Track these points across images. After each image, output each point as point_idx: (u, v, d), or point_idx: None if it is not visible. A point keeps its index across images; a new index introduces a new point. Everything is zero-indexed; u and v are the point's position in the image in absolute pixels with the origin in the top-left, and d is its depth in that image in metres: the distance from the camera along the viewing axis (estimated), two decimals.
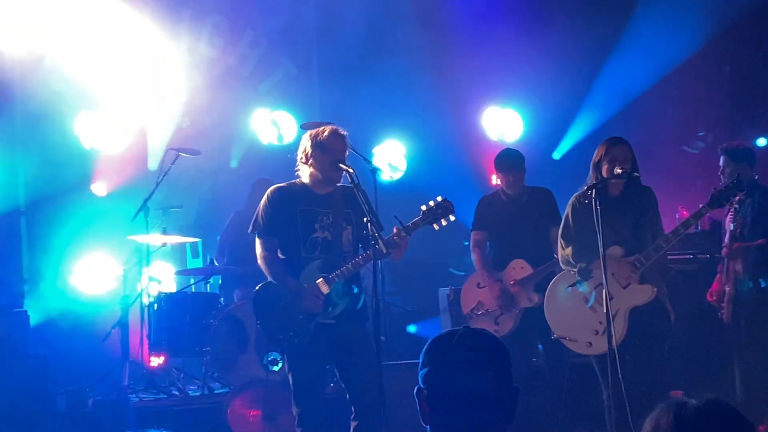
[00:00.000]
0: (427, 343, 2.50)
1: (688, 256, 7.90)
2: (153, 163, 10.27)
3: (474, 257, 7.60)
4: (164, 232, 8.93)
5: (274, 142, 10.75)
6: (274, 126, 10.78)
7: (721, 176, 7.18)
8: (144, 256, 8.72)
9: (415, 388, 2.48)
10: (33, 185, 10.35)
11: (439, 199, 5.87)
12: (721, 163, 7.30)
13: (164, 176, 8.83)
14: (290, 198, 5.92)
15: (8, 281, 9.98)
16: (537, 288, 7.12)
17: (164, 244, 9.08)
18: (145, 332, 8.62)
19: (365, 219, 5.57)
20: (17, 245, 10.36)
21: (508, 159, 7.61)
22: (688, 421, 2.07)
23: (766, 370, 7.14)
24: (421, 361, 2.49)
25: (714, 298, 7.37)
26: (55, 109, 9.99)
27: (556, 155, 10.76)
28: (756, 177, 7.33)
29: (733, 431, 2.08)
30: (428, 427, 2.46)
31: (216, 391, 8.32)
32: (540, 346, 7.41)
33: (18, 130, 10.24)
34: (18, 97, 10.01)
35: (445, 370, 2.40)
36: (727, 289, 7.22)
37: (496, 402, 2.40)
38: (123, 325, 8.72)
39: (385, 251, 5.57)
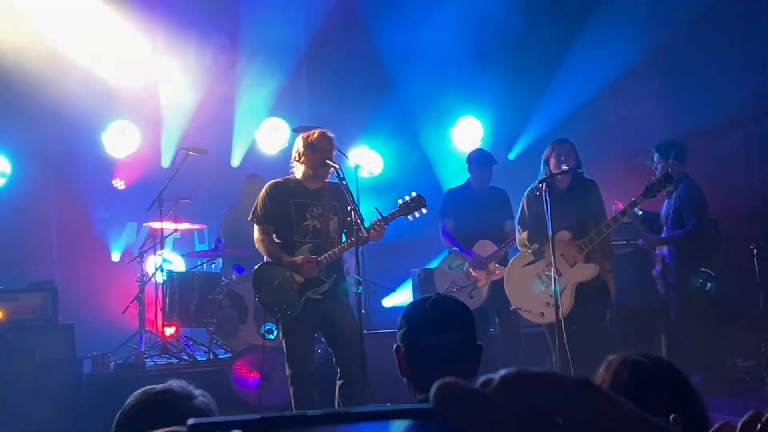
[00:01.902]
0: (405, 308, 2.54)
1: (623, 242, 7.88)
2: (165, 161, 10.20)
3: (445, 240, 7.59)
4: (175, 220, 8.87)
5: (272, 145, 10.64)
6: (273, 131, 10.69)
7: (655, 171, 7.17)
8: (158, 240, 8.66)
9: (394, 346, 2.51)
10: (62, 180, 10.26)
11: (414, 194, 5.95)
12: (654, 159, 7.29)
13: (176, 172, 8.79)
14: (285, 191, 5.90)
15: (42, 261, 9.89)
16: (500, 262, 7.20)
17: (175, 230, 9.02)
18: (159, 306, 8.60)
19: (349, 208, 5.61)
20: (48, 231, 10.27)
21: (481, 157, 7.65)
22: (643, 373, 2.15)
23: (685, 333, 7.21)
24: (399, 322, 2.51)
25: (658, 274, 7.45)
26: (82, 113, 9.88)
27: (511, 156, 10.72)
28: (687, 171, 7.34)
29: (672, 377, 2.17)
30: (405, 379, 2.49)
31: (220, 356, 8.26)
32: (496, 319, 7.40)
33: (49, 130, 10.15)
34: (48, 102, 9.89)
35: (420, 330, 2.42)
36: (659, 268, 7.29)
37: (464, 357, 2.43)
38: (140, 299, 8.68)
39: (366, 235, 5.62)
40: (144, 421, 2.20)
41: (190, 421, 0.65)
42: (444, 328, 2.40)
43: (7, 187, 9.87)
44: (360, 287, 5.57)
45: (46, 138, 10.22)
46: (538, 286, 6.10)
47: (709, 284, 7.23)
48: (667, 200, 7.25)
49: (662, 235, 7.27)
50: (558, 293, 5.71)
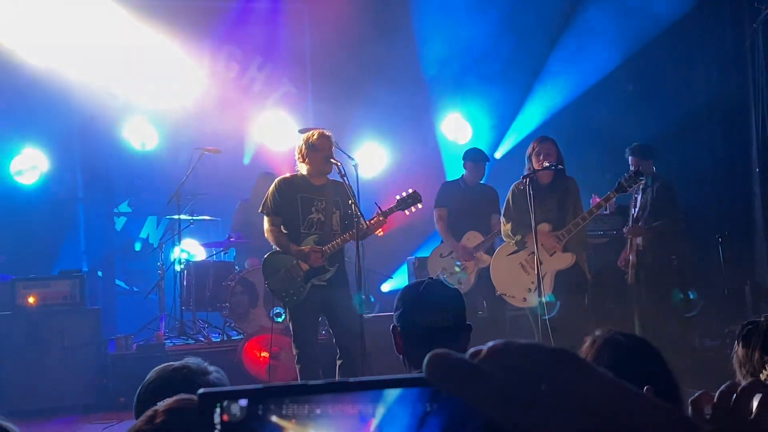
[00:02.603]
0: (401, 290, 2.56)
1: (599, 233, 7.91)
2: (183, 160, 10.19)
3: (439, 228, 7.62)
4: (192, 213, 8.88)
5: (280, 144, 10.63)
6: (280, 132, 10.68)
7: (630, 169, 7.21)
8: (177, 231, 8.67)
9: (391, 326, 2.52)
10: (88, 177, 10.27)
11: (410, 190, 6.00)
12: (630, 162, 7.33)
13: (192, 169, 8.79)
14: (293, 186, 5.91)
15: (71, 251, 9.90)
16: (487, 252, 7.21)
17: (192, 223, 9.02)
18: (178, 292, 8.57)
19: (350, 202, 5.65)
20: (77, 224, 10.29)
21: (476, 154, 7.67)
22: (622, 348, 2.20)
23: (656, 316, 7.24)
24: (395, 304, 2.52)
25: (623, 264, 7.43)
26: (105, 114, 9.89)
27: (498, 155, 10.71)
28: (654, 170, 7.41)
29: (648, 354, 2.22)
30: (401, 356, 2.50)
31: (233, 338, 8.27)
32: (484, 303, 7.42)
33: (75, 131, 10.15)
34: (75, 104, 9.90)
35: (415, 311, 2.44)
36: (630, 258, 7.30)
37: (454, 335, 2.45)
38: (160, 286, 8.71)
39: (365, 228, 5.68)
40: (163, 394, 2.21)
41: (201, 390, 0.66)
42: (436, 309, 2.43)
43: (40, 184, 9.87)
44: (361, 306, 5.65)
45: (72, 139, 10.22)
46: (521, 274, 6.11)
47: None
48: (641, 194, 7.28)
49: (639, 225, 7.28)
50: (540, 279, 5.73)
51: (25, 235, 9.57)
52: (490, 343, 0.63)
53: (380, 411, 0.64)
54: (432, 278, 2.60)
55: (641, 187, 6.99)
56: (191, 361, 2.34)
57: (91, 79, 9.73)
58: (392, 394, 0.64)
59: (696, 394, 1.31)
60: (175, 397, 1.62)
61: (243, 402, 0.64)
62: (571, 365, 0.62)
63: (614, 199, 6.45)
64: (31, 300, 7.44)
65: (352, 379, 0.64)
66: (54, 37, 9.53)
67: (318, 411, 0.64)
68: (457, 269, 7.37)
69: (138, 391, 2.29)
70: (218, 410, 0.64)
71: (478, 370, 0.62)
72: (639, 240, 7.24)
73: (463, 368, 0.62)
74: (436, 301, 2.45)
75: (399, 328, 2.48)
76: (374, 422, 0.63)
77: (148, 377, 2.30)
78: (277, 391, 0.64)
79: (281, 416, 0.64)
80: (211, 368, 2.35)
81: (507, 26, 10.17)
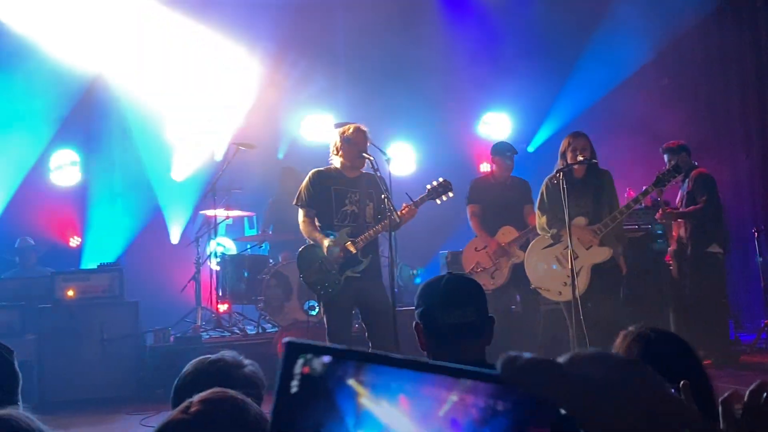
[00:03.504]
0: (420, 287, 2.50)
1: (634, 226, 7.80)
2: (219, 155, 10.25)
3: (473, 224, 7.52)
4: (227, 207, 8.92)
5: (314, 139, 10.63)
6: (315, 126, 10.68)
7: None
8: (212, 226, 8.71)
9: (414, 324, 2.48)
10: (126, 174, 10.37)
11: (441, 179, 5.90)
12: (665, 159, 7.26)
13: (227, 165, 8.83)
14: (327, 179, 5.88)
15: (110, 245, 10.00)
16: (521, 247, 7.12)
17: (227, 217, 9.06)
18: (214, 285, 8.64)
19: (383, 196, 5.60)
20: (116, 219, 10.38)
21: (503, 147, 7.58)
22: (654, 344, 2.17)
23: (693, 312, 7.15)
24: (416, 302, 2.48)
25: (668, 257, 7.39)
26: (143, 114, 9.98)
27: (531, 149, 10.62)
28: (695, 163, 7.35)
29: (680, 349, 2.19)
30: (426, 353, 2.45)
31: (268, 330, 8.29)
32: (518, 297, 7.35)
33: (114, 129, 10.25)
34: (114, 105, 10.01)
35: (436, 307, 2.38)
36: (671, 248, 7.24)
37: (477, 329, 2.39)
38: (196, 279, 8.75)
39: (398, 220, 5.61)
40: (199, 386, 2.21)
41: (288, 339, 0.67)
42: (457, 304, 2.37)
43: (81, 180, 9.98)
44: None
45: (111, 137, 10.31)
46: (556, 267, 6.04)
47: None
48: (684, 186, 7.22)
49: (668, 211, 7.22)
50: (575, 274, 5.66)
51: (66, 229, 9.70)
52: (565, 355, 0.68)
53: (452, 398, 0.65)
54: (451, 273, 2.54)
55: (682, 179, 6.94)
56: (227, 354, 2.33)
57: (130, 77, 9.83)
58: (466, 384, 0.65)
59: (726, 394, 1.28)
60: (210, 390, 1.62)
61: (326, 359, 0.66)
62: (640, 375, 0.67)
63: (651, 192, 6.34)
64: (70, 293, 7.52)
65: (432, 362, 0.65)
66: (89, 35, 9.62)
67: (393, 385, 0.65)
68: (489, 263, 7.31)
69: (175, 384, 2.29)
70: (301, 361, 0.66)
71: (565, 374, 0.65)
72: (682, 231, 7.18)
73: (551, 369, 0.65)
74: (457, 296, 2.40)
75: (422, 325, 2.43)
76: (445, 407, 0.65)
77: (184, 370, 2.30)
78: (360, 356, 0.66)
79: (358, 382, 0.66)
80: (246, 361, 2.34)
81: (540, 20, 10.08)
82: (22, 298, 7.63)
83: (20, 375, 2.33)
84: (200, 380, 2.24)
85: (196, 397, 1.58)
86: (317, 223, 5.87)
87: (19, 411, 1.89)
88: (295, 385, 0.65)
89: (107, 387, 7.35)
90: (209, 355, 2.33)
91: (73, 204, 9.92)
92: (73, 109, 9.65)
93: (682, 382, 1.84)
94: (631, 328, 2.31)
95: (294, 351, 0.66)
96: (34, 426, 1.87)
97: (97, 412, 6.96)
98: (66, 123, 9.73)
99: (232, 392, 1.62)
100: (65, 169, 9.93)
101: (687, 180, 7.28)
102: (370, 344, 5.75)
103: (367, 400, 0.65)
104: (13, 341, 6.95)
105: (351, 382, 0.65)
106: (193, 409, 1.55)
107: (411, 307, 7.56)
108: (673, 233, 7.33)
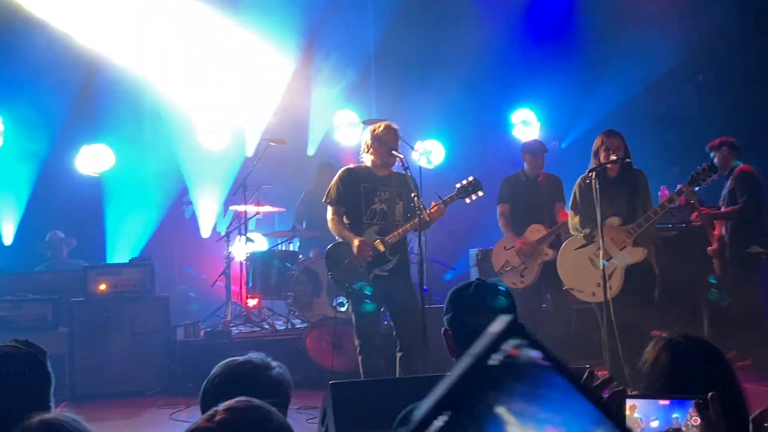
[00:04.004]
0: (449, 293, 2.48)
1: (668, 225, 7.69)
2: (250, 151, 10.28)
3: (501, 224, 7.47)
4: (258, 203, 8.95)
5: (344, 135, 10.61)
6: (344, 123, 10.66)
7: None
8: (243, 221, 8.75)
9: (442, 330, 2.48)
10: (158, 168, 10.44)
11: (470, 178, 5.85)
12: (710, 156, 7.11)
13: (258, 161, 8.86)
14: (357, 177, 5.86)
15: (142, 240, 10.09)
16: (550, 246, 7.06)
17: (258, 213, 9.09)
18: (244, 280, 8.66)
19: (413, 195, 5.58)
20: (147, 213, 10.45)
21: (534, 146, 7.50)
22: (685, 353, 2.13)
23: (731, 314, 7.03)
24: (444, 307, 2.47)
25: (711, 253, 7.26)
26: (176, 109, 10.04)
27: (563, 145, 10.51)
28: (738, 161, 7.17)
29: (711, 356, 2.15)
30: (455, 359, 2.45)
31: (297, 326, 8.30)
32: (549, 296, 7.29)
33: (147, 127, 10.33)
34: (147, 103, 10.09)
35: (465, 313, 2.38)
36: (711, 248, 7.09)
37: None
38: (226, 274, 8.79)
39: (428, 219, 5.59)
40: (227, 388, 2.22)
41: (504, 318, 0.71)
42: (487, 310, 2.36)
43: (112, 175, 10.07)
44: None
45: (144, 131, 10.39)
46: (589, 268, 5.97)
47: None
48: (726, 184, 7.10)
49: (704, 213, 7.07)
50: (607, 275, 5.58)
51: (97, 223, 9.80)
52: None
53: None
54: (480, 279, 2.52)
55: (726, 176, 6.79)
56: (255, 356, 2.33)
57: (162, 72, 9.90)
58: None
59: (757, 412, 1.25)
60: (236, 399, 1.63)
61: (534, 353, 0.69)
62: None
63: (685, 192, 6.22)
64: (102, 287, 7.58)
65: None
66: (120, 29, 9.70)
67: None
68: (519, 261, 7.25)
69: (203, 386, 2.29)
70: (514, 342, 0.69)
71: None
72: (723, 230, 7.04)
73: None
74: (486, 302, 2.39)
75: (450, 332, 2.43)
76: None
77: (213, 372, 2.30)
78: (567, 375, 0.70)
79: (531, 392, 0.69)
80: (274, 363, 2.34)
81: (573, 15, 9.98)
82: (54, 292, 7.70)
83: (53, 376, 2.34)
84: (228, 382, 2.25)
85: (222, 406, 1.58)
86: (346, 221, 5.86)
87: (66, 414, 1.92)
88: (496, 359, 0.68)
89: (138, 381, 7.41)
90: (237, 358, 2.33)
91: (103, 197, 10.01)
92: (106, 103, 9.72)
93: (710, 394, 1.80)
94: (663, 334, 2.27)
95: (513, 330, 0.69)
96: (81, 428, 1.89)
97: (128, 405, 7.01)
98: (98, 117, 9.80)
99: (256, 402, 1.62)
100: (97, 161, 10.00)
101: (730, 178, 7.08)
102: (398, 343, 5.73)
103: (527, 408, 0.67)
104: (45, 334, 7.11)
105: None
106: (217, 418, 1.55)
107: (440, 305, 7.57)
108: (715, 232, 7.16)
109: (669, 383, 2.08)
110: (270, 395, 2.24)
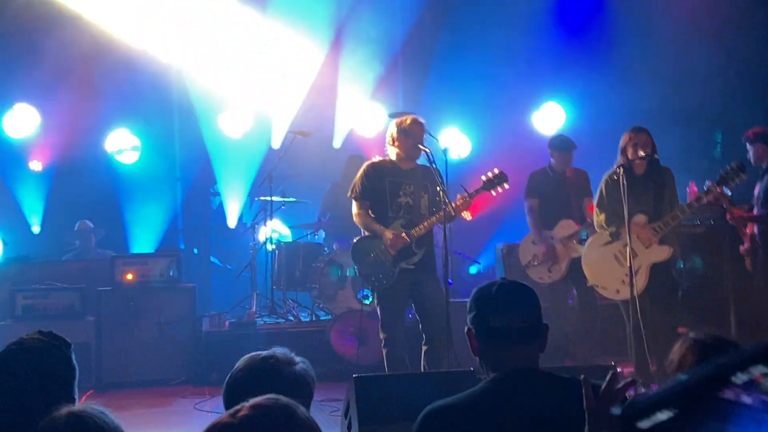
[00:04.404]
0: (473, 292, 2.46)
1: (695, 222, 7.60)
2: (276, 143, 10.30)
3: (529, 219, 7.40)
4: (283, 195, 8.97)
5: (370, 128, 10.58)
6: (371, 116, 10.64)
7: (750, 159, 6.78)
8: (268, 213, 8.77)
9: (465, 329, 2.45)
10: (185, 158, 10.50)
11: (496, 170, 5.82)
12: (747, 148, 6.89)
13: (284, 153, 8.89)
14: (381, 171, 5.87)
15: (169, 230, 10.15)
16: (580, 241, 7.02)
17: (283, 204, 9.12)
18: (269, 271, 8.66)
19: (438, 188, 5.57)
20: (174, 202, 10.52)
21: (563, 142, 7.42)
22: (708, 354, 2.08)
23: (760, 315, 6.92)
24: (468, 306, 2.45)
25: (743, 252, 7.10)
26: (202, 102, 10.07)
27: (590, 140, 10.37)
28: None
29: None
30: (477, 359, 2.43)
31: (321, 318, 8.32)
32: (574, 291, 7.24)
33: (175, 115, 10.38)
34: (175, 92, 10.14)
35: (488, 313, 2.36)
36: (743, 247, 6.92)
37: (529, 336, 2.35)
38: (252, 265, 8.83)
39: (453, 213, 5.57)
40: (251, 383, 2.23)
41: (765, 344, 0.69)
42: (510, 308, 2.35)
43: (140, 164, 10.13)
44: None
45: (172, 120, 10.45)
46: (615, 265, 5.92)
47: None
48: (759, 182, 6.85)
49: (754, 213, 6.87)
50: (632, 273, 5.54)
51: (125, 213, 9.88)
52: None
53: None
54: (504, 278, 2.52)
55: (763, 171, 6.59)
56: (278, 351, 2.34)
57: (190, 62, 9.94)
58: None
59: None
60: (264, 396, 1.63)
61: None
62: None
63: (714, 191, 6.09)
64: (129, 276, 7.65)
65: None
66: (149, 16, 9.74)
67: None
68: (546, 257, 7.19)
69: (226, 380, 2.30)
70: (762, 368, 0.71)
71: None
72: (755, 229, 6.86)
73: None
74: (509, 301, 2.36)
75: (474, 331, 2.41)
76: None
77: (236, 366, 2.31)
78: None
79: None
80: (298, 359, 2.34)
81: (603, 9, 9.89)
82: (82, 281, 7.78)
83: (77, 368, 2.36)
84: (251, 377, 2.26)
85: (248, 402, 1.59)
86: (371, 215, 5.86)
87: (94, 407, 1.94)
88: (740, 378, 0.68)
89: (163, 370, 7.47)
90: (260, 352, 2.33)
91: (134, 188, 10.07)
92: (133, 91, 9.75)
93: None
94: (690, 334, 2.26)
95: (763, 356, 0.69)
96: (109, 420, 1.92)
97: (153, 394, 7.07)
98: (125, 104, 9.84)
99: (284, 400, 1.63)
100: (125, 150, 10.06)
101: (765, 173, 6.86)
102: (424, 336, 5.73)
103: None
104: (72, 323, 7.19)
105: None
106: (240, 414, 1.56)
107: (465, 299, 7.55)
108: (747, 230, 7.00)
109: None
110: (293, 391, 2.24)
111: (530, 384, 2.31)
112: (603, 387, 1.96)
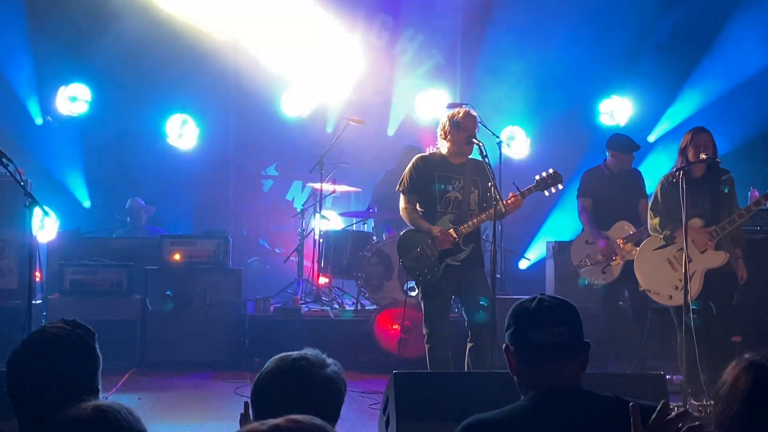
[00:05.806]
0: (512, 308, 2.35)
1: (756, 228, 7.35)
2: (329, 128, 10.28)
3: (583, 219, 7.21)
4: (334, 182, 8.93)
5: (426, 117, 10.48)
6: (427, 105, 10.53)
7: None
8: (318, 199, 8.76)
9: (503, 346, 2.35)
10: (240, 141, 10.55)
11: (550, 170, 5.68)
12: None
13: (336, 139, 8.85)
14: (431, 164, 5.76)
15: (220, 211, 10.22)
16: (636, 243, 6.76)
17: (334, 191, 9.09)
18: (316, 258, 8.67)
19: (489, 184, 5.44)
20: (227, 183, 10.59)
21: (626, 142, 7.17)
22: (764, 377, 1.96)
23: None
24: (506, 323, 2.35)
25: None
26: (260, 81, 10.09)
27: (651, 138, 10.15)
28: None
29: None
30: (515, 377, 2.33)
31: (366, 307, 8.27)
32: (626, 293, 7.06)
33: (232, 97, 10.43)
34: (232, 73, 10.19)
35: (528, 329, 2.26)
36: None
37: (570, 354, 2.25)
38: (299, 251, 8.83)
39: (504, 210, 5.44)
40: (279, 384, 2.18)
41: None
42: (549, 323, 2.25)
43: (195, 146, 10.21)
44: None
45: (228, 102, 10.50)
46: (668, 270, 5.75)
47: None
48: None
49: None
50: (688, 278, 5.37)
51: (178, 193, 9.96)
52: None
53: None
54: (543, 293, 2.39)
55: None
56: (310, 352, 2.27)
57: (247, 47, 9.98)
58: None
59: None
60: (300, 416, 1.60)
61: None
62: None
63: None
64: (177, 257, 7.70)
65: None
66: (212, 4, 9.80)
67: None
68: (600, 258, 7.01)
69: (255, 380, 2.25)
70: None
71: None
72: None
73: None
74: (550, 315, 2.26)
75: (512, 348, 2.30)
76: None
77: (266, 366, 2.26)
78: None
79: None
80: (329, 361, 2.28)
81: (667, 7, 9.64)
82: (130, 259, 7.85)
83: (101, 358, 2.33)
84: (281, 378, 2.20)
85: (269, 422, 1.56)
86: (420, 210, 5.77)
87: (120, 404, 1.92)
88: None
89: (206, 351, 7.52)
90: (291, 353, 2.27)
91: (187, 168, 10.15)
92: (190, 74, 9.83)
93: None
94: (746, 355, 2.12)
95: None
96: (133, 420, 1.89)
97: (194, 376, 7.12)
98: (183, 87, 9.92)
99: (318, 422, 1.58)
100: (183, 134, 10.16)
101: None
102: (470, 334, 5.64)
103: None
104: (119, 300, 7.27)
105: None
106: (270, 423, 1.53)
107: (513, 296, 7.42)
108: None
109: (748, 409, 1.95)
110: (322, 393, 2.19)
111: (572, 404, 2.21)
112: (652, 420, 1.88)
